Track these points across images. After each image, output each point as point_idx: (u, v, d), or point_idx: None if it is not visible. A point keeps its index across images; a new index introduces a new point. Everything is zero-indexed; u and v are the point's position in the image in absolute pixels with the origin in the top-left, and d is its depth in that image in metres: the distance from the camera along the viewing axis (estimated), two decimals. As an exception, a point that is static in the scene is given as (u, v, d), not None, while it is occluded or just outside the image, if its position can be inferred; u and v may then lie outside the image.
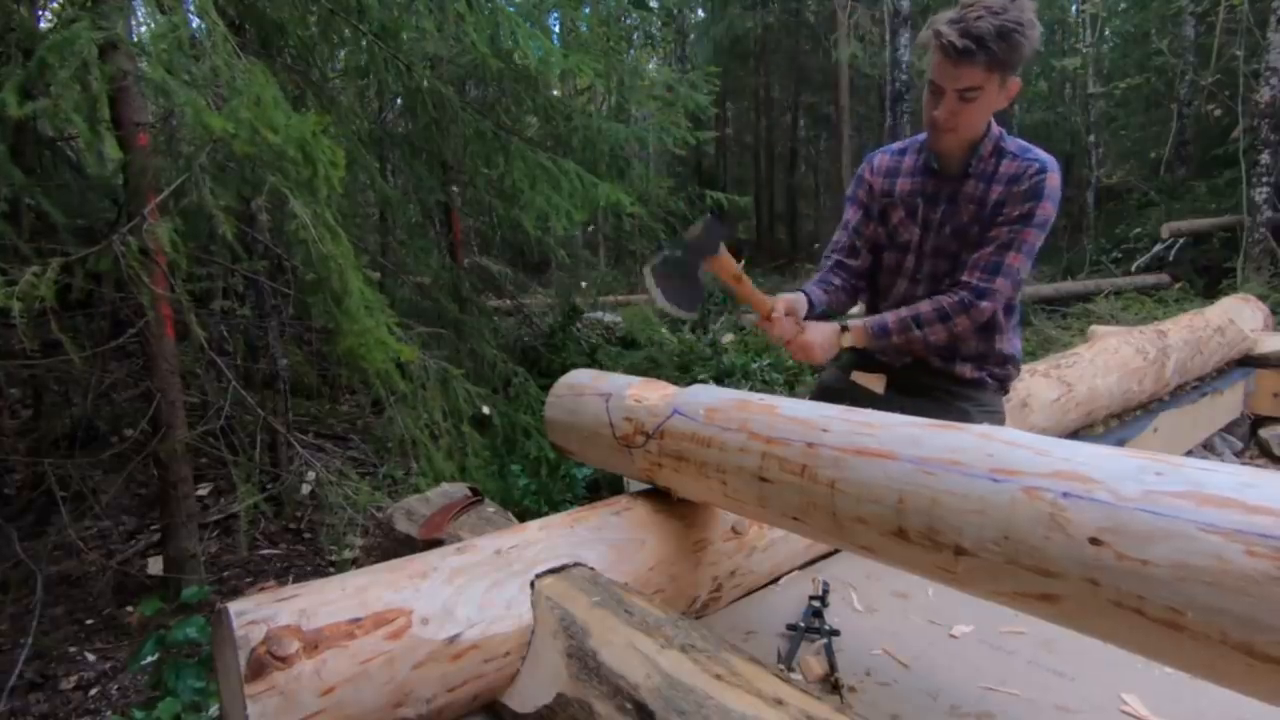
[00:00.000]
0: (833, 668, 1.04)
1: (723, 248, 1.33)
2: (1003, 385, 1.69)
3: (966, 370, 1.64)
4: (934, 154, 1.58)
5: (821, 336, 1.52)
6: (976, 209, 1.53)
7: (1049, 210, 1.48)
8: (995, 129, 1.53)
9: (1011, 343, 1.66)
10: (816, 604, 1.20)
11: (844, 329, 1.55)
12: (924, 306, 1.54)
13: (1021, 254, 1.49)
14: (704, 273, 1.34)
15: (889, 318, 1.56)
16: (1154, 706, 0.94)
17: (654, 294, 1.30)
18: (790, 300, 1.52)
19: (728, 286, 1.41)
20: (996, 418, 1.67)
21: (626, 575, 1.04)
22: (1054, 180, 1.48)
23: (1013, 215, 1.49)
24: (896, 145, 1.72)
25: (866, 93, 14.83)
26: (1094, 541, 0.60)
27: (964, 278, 1.52)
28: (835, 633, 1.11)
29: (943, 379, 1.66)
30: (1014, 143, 1.54)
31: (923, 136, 1.60)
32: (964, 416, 1.58)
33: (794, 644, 1.11)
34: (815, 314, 1.59)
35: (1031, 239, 1.49)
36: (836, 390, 1.78)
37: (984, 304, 1.49)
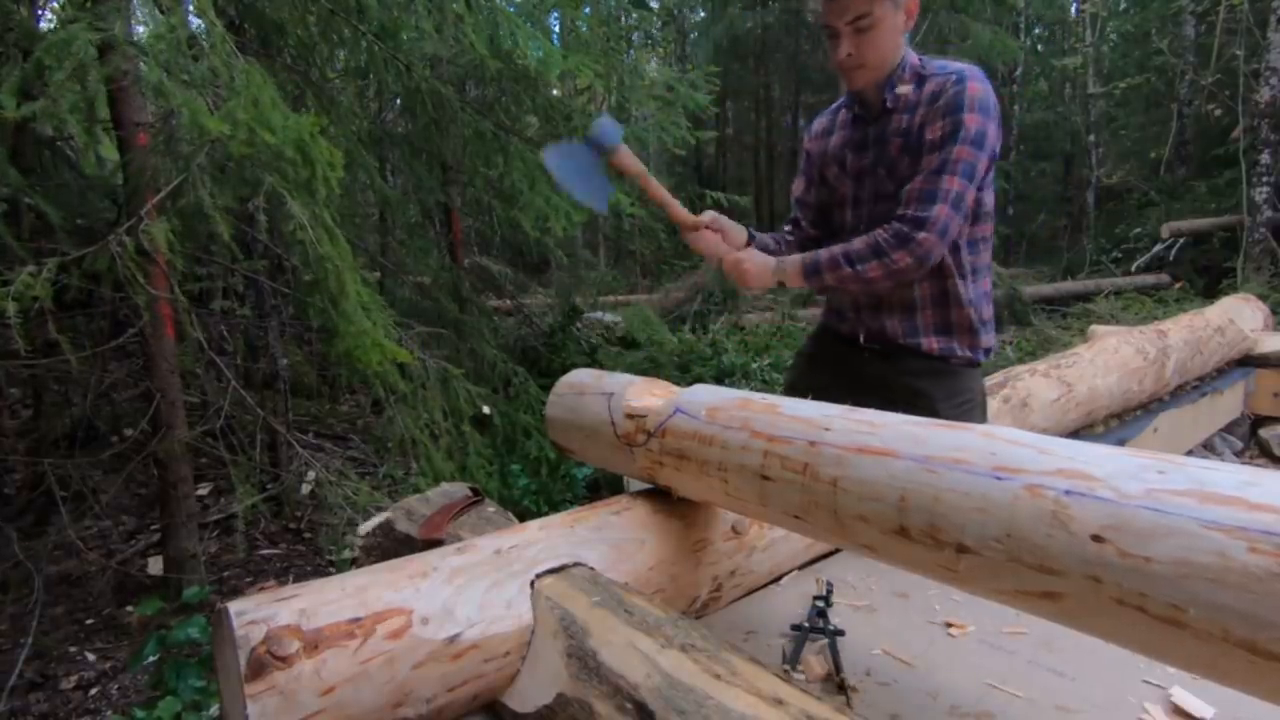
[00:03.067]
0: (838, 668, 1.04)
1: (622, 145, 1.38)
2: (973, 361, 1.57)
3: (933, 344, 1.53)
4: (856, 99, 1.54)
5: (759, 263, 1.49)
6: (903, 140, 1.44)
7: (978, 122, 1.36)
8: (913, 56, 1.46)
9: (979, 310, 1.54)
10: (820, 604, 1.20)
11: (779, 266, 1.50)
12: (857, 242, 1.43)
13: (957, 176, 1.36)
14: (607, 168, 1.39)
15: (821, 254, 1.46)
16: (1168, 706, 0.94)
17: (554, 175, 1.39)
18: (726, 224, 1.51)
19: (639, 186, 1.45)
20: (967, 405, 1.56)
21: (626, 575, 1.04)
22: (975, 88, 1.37)
23: (937, 136, 1.38)
24: (833, 105, 1.68)
25: (866, 93, 14.76)
26: (1096, 539, 0.60)
27: (898, 211, 1.41)
28: (840, 633, 1.11)
29: (906, 357, 1.56)
30: (935, 64, 1.45)
31: None
32: (928, 407, 1.47)
33: (798, 644, 1.10)
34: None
35: (967, 157, 1.36)
36: (811, 355, 1.77)
37: (922, 235, 1.36)
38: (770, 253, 1.58)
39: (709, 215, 1.52)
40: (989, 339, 1.57)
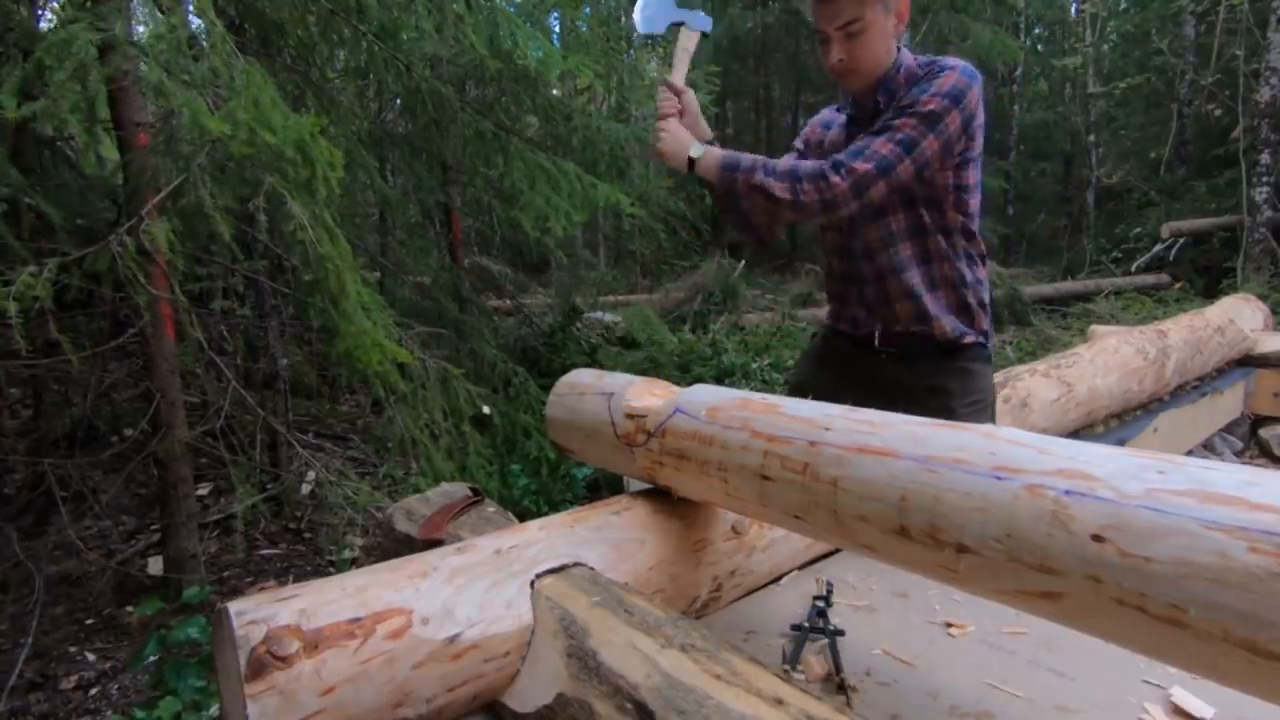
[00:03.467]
0: (838, 668, 1.04)
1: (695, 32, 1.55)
2: (981, 345, 1.57)
3: (944, 326, 1.52)
4: (852, 102, 1.55)
5: (681, 137, 1.49)
6: None
7: (937, 103, 1.34)
8: (909, 58, 1.45)
9: (978, 293, 1.55)
10: (821, 604, 1.20)
11: (705, 145, 1.49)
12: (783, 160, 1.45)
13: (892, 143, 1.35)
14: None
15: (745, 155, 1.45)
16: (1168, 706, 0.94)
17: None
18: (694, 107, 1.55)
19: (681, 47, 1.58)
20: (979, 405, 1.55)
21: (626, 575, 1.04)
22: (951, 77, 1.35)
23: (896, 106, 1.39)
24: (838, 104, 1.70)
25: (866, 93, 14.77)
26: (1096, 539, 0.60)
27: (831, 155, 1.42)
28: (840, 633, 1.11)
29: (921, 356, 1.55)
30: (934, 61, 1.44)
31: None
32: (944, 405, 1.48)
33: (798, 644, 1.10)
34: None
35: (909, 129, 1.35)
36: (819, 355, 1.77)
37: (836, 179, 1.35)
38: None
39: (690, 98, 1.54)
40: (986, 321, 1.59)
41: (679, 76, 1.56)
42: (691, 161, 1.49)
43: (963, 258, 1.54)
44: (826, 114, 1.71)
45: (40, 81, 1.83)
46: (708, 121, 1.63)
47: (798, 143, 1.73)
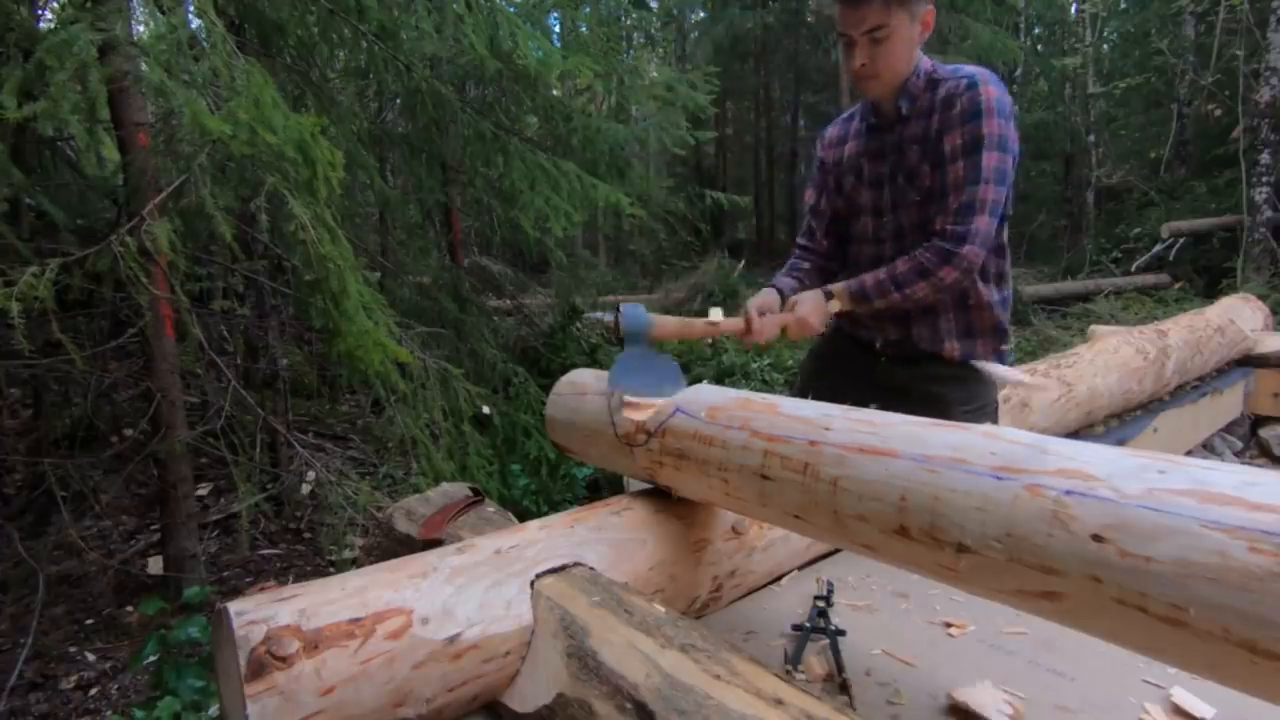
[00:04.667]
0: (839, 668, 1.04)
1: (651, 320, 1.27)
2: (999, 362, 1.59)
3: (955, 349, 1.53)
4: (870, 108, 1.54)
5: (812, 305, 1.47)
6: (921, 148, 1.45)
7: (999, 127, 1.36)
8: (925, 63, 1.45)
9: (1000, 314, 1.55)
10: (821, 604, 1.20)
11: (829, 295, 1.49)
12: (900, 265, 1.44)
13: (991, 184, 1.37)
14: (658, 352, 1.27)
15: (867, 280, 1.46)
16: (1168, 706, 0.94)
17: (645, 400, 1.19)
18: (761, 301, 1.50)
19: (694, 339, 1.40)
20: (980, 412, 1.57)
21: (626, 575, 1.04)
22: (990, 92, 1.37)
23: (958, 144, 1.38)
24: (845, 113, 1.68)
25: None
26: (1096, 539, 0.60)
27: (936, 228, 1.42)
28: (841, 632, 1.11)
29: (925, 363, 1.56)
30: (946, 68, 1.45)
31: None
32: (943, 412, 1.50)
33: (800, 644, 1.10)
34: None
35: (994, 163, 1.36)
36: (824, 355, 1.76)
37: (965, 249, 1.37)
38: (794, 291, 1.57)
39: (753, 305, 1.47)
40: (1002, 344, 1.59)
41: (728, 328, 1.43)
42: (837, 313, 1.51)
43: (991, 277, 1.53)
44: (835, 130, 1.68)
45: (41, 82, 1.82)
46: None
47: (815, 175, 1.71)
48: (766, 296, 1.53)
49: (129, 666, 2.38)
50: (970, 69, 1.42)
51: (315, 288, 2.30)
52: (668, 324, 1.30)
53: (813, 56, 14.37)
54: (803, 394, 1.58)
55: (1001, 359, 1.59)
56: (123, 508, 3.44)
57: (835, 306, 1.49)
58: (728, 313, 1.43)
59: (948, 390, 1.55)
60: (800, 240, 1.74)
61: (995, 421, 1.64)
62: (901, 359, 1.60)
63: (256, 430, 3.29)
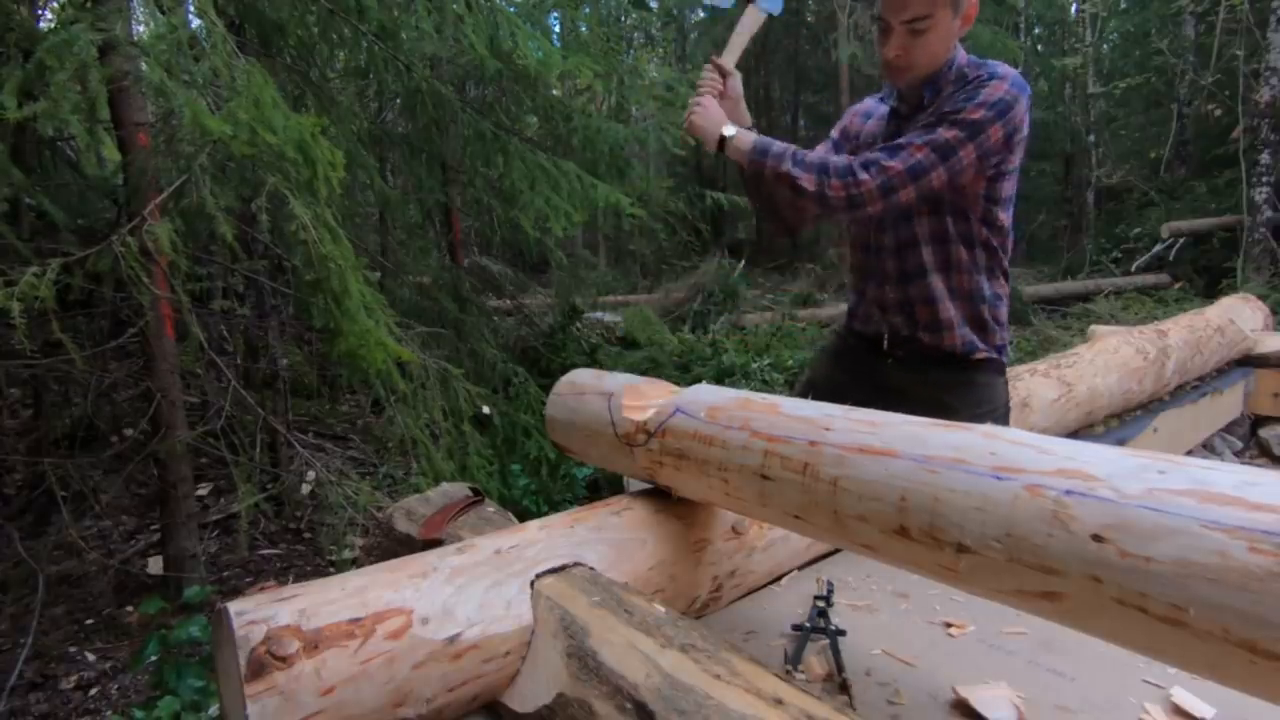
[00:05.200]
0: (840, 668, 1.04)
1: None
2: (992, 360, 1.56)
3: (955, 339, 1.51)
4: (896, 92, 1.51)
5: (716, 115, 1.44)
6: None
7: (981, 114, 1.30)
8: (961, 56, 1.40)
9: (995, 309, 1.53)
10: (821, 604, 1.20)
11: (738, 131, 1.44)
12: (814, 153, 1.41)
13: (930, 148, 1.31)
14: None
15: (778, 142, 1.41)
16: (1168, 707, 0.94)
17: None
18: (737, 91, 1.50)
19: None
20: (987, 416, 1.53)
21: (626, 575, 1.04)
22: (998, 88, 1.31)
23: (941, 110, 1.35)
24: (880, 93, 1.66)
25: (866, 92, 14.78)
26: (1096, 538, 0.60)
27: (864, 151, 1.38)
28: (841, 632, 1.11)
29: (930, 367, 1.54)
30: (979, 64, 1.40)
31: None
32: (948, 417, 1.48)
33: (800, 644, 1.10)
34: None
35: (949, 138, 1.31)
36: (835, 353, 1.75)
37: (865, 177, 1.32)
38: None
39: (733, 81, 1.49)
40: (1002, 336, 1.57)
41: (731, 57, 1.50)
42: (723, 140, 1.44)
43: (983, 271, 1.51)
44: (868, 103, 1.66)
45: (41, 82, 1.83)
46: None
47: (834, 132, 1.69)
48: (740, 107, 1.53)
49: (129, 666, 2.38)
50: (1002, 68, 1.37)
51: (316, 288, 2.30)
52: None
53: (813, 56, 14.37)
54: (805, 393, 1.59)
55: (999, 351, 1.58)
56: (123, 508, 3.44)
57: (731, 136, 1.44)
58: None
59: (955, 395, 1.53)
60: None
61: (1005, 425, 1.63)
62: (908, 360, 1.58)
63: (256, 430, 3.30)
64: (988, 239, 1.49)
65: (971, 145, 1.32)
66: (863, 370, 1.66)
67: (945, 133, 1.32)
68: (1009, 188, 1.47)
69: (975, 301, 1.51)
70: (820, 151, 1.64)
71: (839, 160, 1.36)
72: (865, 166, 1.34)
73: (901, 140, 1.36)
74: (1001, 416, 1.61)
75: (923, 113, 1.43)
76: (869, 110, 1.64)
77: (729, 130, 1.44)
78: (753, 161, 1.42)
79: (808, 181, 1.35)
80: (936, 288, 1.50)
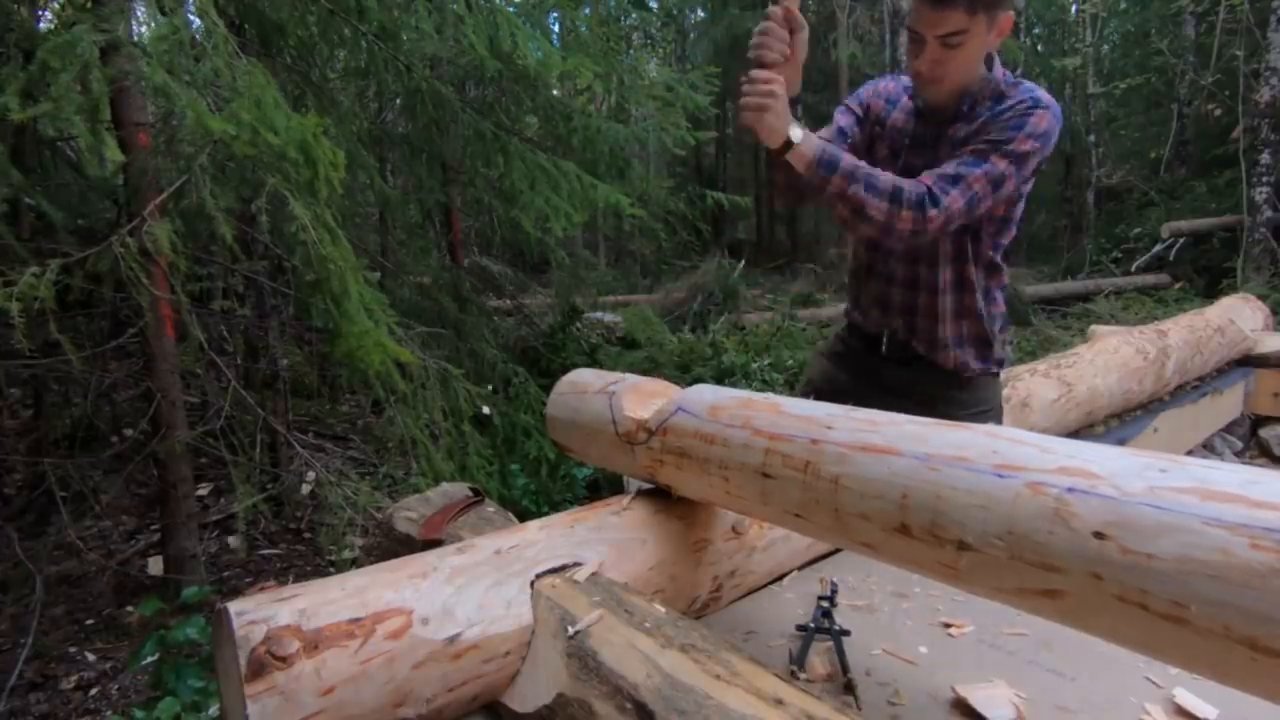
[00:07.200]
0: (845, 668, 1.04)
1: None
2: (989, 372, 1.57)
3: (950, 357, 1.51)
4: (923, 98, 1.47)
5: (784, 109, 1.27)
6: (954, 150, 1.38)
7: (1028, 146, 1.30)
8: (999, 71, 1.37)
9: (992, 327, 1.53)
10: (825, 604, 1.20)
11: (805, 135, 1.29)
12: (886, 175, 1.31)
13: (985, 179, 1.30)
14: None
15: (848, 159, 1.30)
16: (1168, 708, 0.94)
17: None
18: (802, 57, 1.31)
19: None
20: (983, 416, 1.55)
21: (626, 575, 1.04)
22: (1043, 118, 1.32)
23: (986, 137, 1.32)
24: (904, 80, 1.56)
25: (866, 93, 14.78)
26: (1098, 536, 0.60)
27: (923, 179, 1.31)
28: (846, 633, 1.11)
29: (926, 367, 1.55)
30: (1022, 85, 1.37)
31: None
32: (945, 414, 1.47)
33: (805, 644, 1.10)
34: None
35: (1001, 168, 1.30)
36: (836, 354, 1.75)
37: (934, 211, 1.28)
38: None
39: (800, 34, 1.29)
40: (1001, 352, 1.58)
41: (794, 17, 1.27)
42: (787, 143, 1.29)
43: (984, 290, 1.52)
44: (890, 85, 1.57)
45: (44, 83, 1.82)
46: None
47: (854, 105, 1.57)
48: (801, 63, 1.34)
49: (129, 667, 2.38)
50: (1039, 92, 1.36)
51: (316, 288, 2.30)
52: None
53: (812, 56, 14.34)
54: (806, 395, 1.58)
55: (997, 366, 1.59)
56: (123, 508, 3.44)
57: (796, 139, 1.28)
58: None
59: (951, 394, 1.55)
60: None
61: (999, 423, 1.65)
62: (905, 361, 1.59)
63: (256, 430, 3.30)
64: (991, 259, 1.51)
65: (1016, 177, 1.33)
66: (862, 369, 1.67)
67: (999, 163, 1.31)
68: (1019, 209, 1.48)
69: (976, 320, 1.52)
70: (840, 123, 1.55)
71: (912, 191, 1.30)
72: (933, 200, 1.29)
73: (963, 170, 1.31)
74: (996, 415, 1.63)
75: (962, 122, 1.39)
76: (893, 95, 1.55)
77: (796, 135, 1.29)
78: (819, 177, 1.30)
79: (877, 211, 1.29)
80: (944, 306, 1.51)
